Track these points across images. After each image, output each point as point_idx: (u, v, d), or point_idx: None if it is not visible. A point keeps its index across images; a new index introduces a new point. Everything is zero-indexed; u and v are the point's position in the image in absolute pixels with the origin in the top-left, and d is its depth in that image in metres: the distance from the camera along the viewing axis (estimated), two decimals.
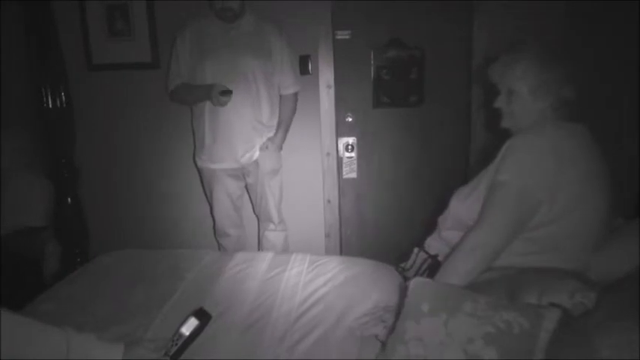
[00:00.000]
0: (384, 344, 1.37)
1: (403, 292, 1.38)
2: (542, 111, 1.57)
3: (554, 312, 1.15)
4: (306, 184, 3.18)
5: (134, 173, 3.25)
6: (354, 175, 3.28)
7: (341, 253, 3.28)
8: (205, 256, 2.23)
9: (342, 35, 3.09)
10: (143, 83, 3.10)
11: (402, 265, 1.83)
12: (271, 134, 2.78)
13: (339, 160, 3.24)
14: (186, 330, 1.40)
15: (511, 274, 1.44)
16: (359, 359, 1.46)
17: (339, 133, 3.20)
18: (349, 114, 3.21)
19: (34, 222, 2.73)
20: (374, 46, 3.11)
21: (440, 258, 1.69)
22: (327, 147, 3.14)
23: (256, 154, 2.75)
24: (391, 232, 3.31)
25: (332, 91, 3.07)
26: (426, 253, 1.74)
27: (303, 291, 1.87)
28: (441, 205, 1.75)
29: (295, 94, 2.82)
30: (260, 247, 3.00)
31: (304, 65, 3.01)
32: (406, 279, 1.69)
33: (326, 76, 3.05)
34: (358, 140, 3.23)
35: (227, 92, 2.55)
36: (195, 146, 2.86)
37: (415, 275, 1.68)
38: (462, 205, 1.63)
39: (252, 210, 3.04)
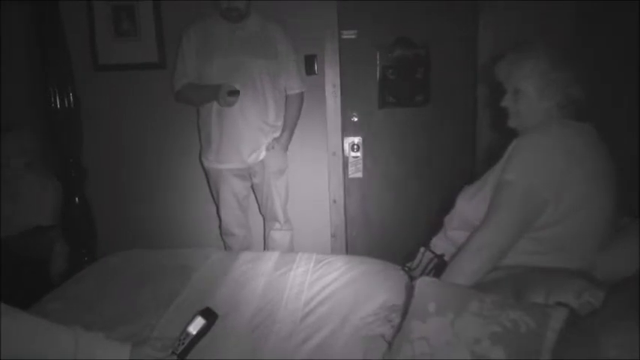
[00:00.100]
0: (390, 344, 1.37)
1: (409, 291, 1.38)
2: (548, 110, 1.57)
3: (560, 311, 1.15)
4: (311, 183, 3.18)
5: (141, 173, 3.26)
6: (359, 174, 3.28)
7: (347, 252, 3.28)
8: (212, 256, 2.23)
9: (348, 35, 3.09)
10: (149, 83, 3.11)
11: (408, 264, 1.82)
12: (277, 134, 2.78)
13: (345, 160, 3.24)
14: (193, 329, 1.40)
15: (517, 273, 1.43)
16: (365, 359, 1.46)
17: (345, 132, 3.20)
18: (355, 114, 3.21)
19: (42, 221, 2.76)
20: (380, 46, 3.11)
21: (446, 258, 1.69)
22: (333, 147, 3.14)
23: (262, 154, 2.75)
24: (397, 231, 3.30)
25: (338, 91, 3.07)
26: (432, 252, 1.74)
27: (309, 290, 1.87)
28: (447, 205, 1.74)
29: (301, 94, 2.82)
30: (266, 246, 3.00)
31: (310, 65, 3.01)
32: (412, 279, 1.69)
33: (332, 76, 3.06)
34: (364, 140, 3.23)
35: (234, 92, 2.56)
36: (201, 146, 2.87)
37: (421, 275, 1.68)
38: (468, 205, 1.63)
39: (257, 210, 3.04)
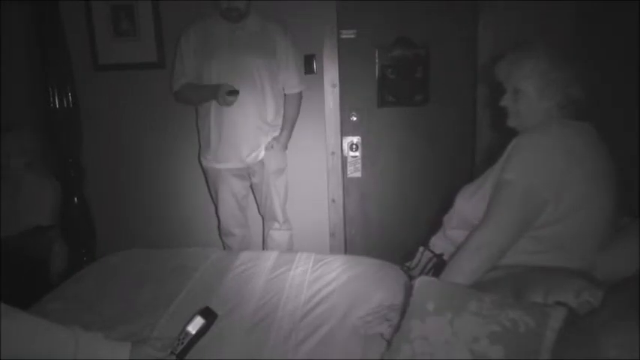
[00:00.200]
0: (389, 343, 1.37)
1: (408, 290, 1.38)
2: (548, 110, 1.57)
3: (560, 311, 1.15)
4: (310, 183, 3.18)
5: (140, 173, 3.26)
6: (358, 174, 3.28)
7: (346, 252, 3.29)
8: (211, 255, 2.23)
9: (347, 34, 3.09)
10: (149, 83, 3.11)
11: (407, 264, 1.82)
12: (276, 134, 2.78)
13: (344, 160, 3.24)
14: (193, 329, 1.40)
15: (517, 272, 1.43)
16: (364, 358, 1.46)
17: (344, 132, 3.20)
18: (354, 113, 3.21)
19: (41, 221, 2.76)
20: (379, 45, 3.11)
21: (445, 257, 1.69)
22: (332, 146, 3.14)
23: (261, 153, 2.75)
24: (396, 231, 3.31)
25: (337, 91, 3.08)
26: (431, 252, 1.74)
27: (308, 290, 1.87)
28: (446, 204, 1.74)
29: (300, 94, 2.82)
30: (265, 246, 3.00)
31: (309, 64, 3.01)
32: (411, 278, 1.69)
33: (331, 75, 3.06)
34: (363, 139, 3.23)
35: (234, 92, 2.56)
36: (200, 146, 2.87)
37: (420, 274, 1.69)
38: (468, 204, 1.63)
39: (256, 209, 3.04)
